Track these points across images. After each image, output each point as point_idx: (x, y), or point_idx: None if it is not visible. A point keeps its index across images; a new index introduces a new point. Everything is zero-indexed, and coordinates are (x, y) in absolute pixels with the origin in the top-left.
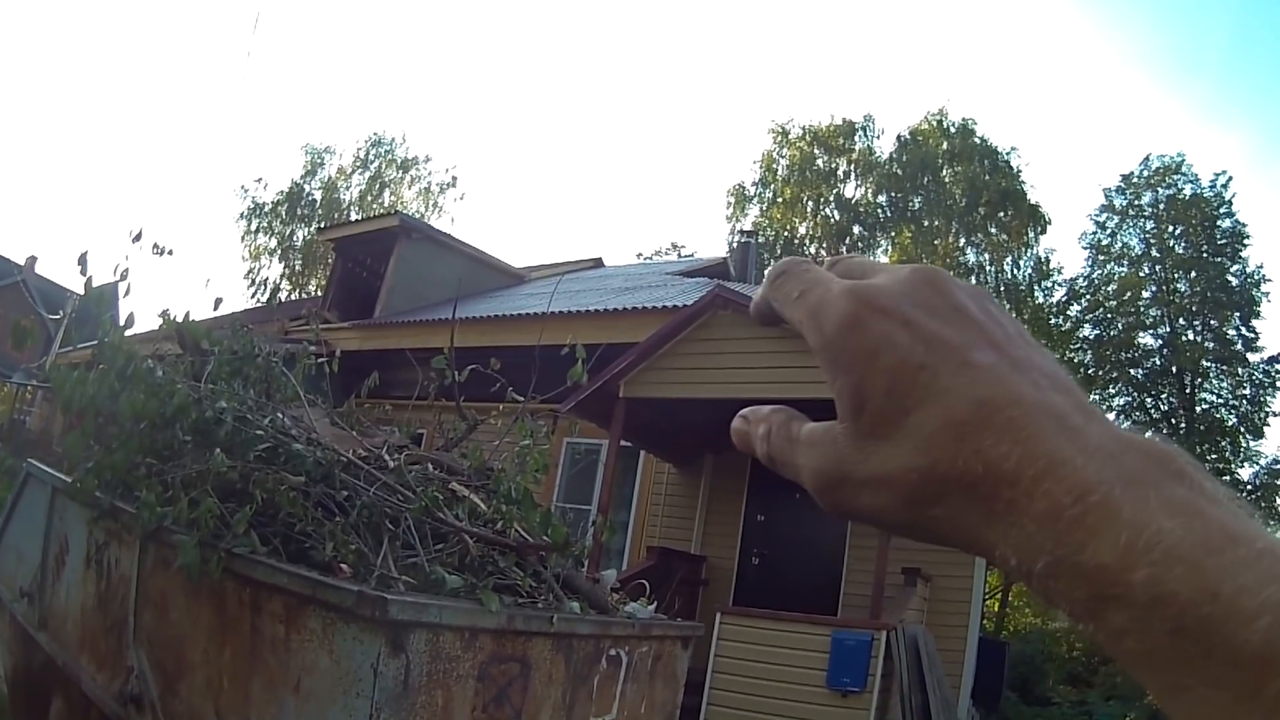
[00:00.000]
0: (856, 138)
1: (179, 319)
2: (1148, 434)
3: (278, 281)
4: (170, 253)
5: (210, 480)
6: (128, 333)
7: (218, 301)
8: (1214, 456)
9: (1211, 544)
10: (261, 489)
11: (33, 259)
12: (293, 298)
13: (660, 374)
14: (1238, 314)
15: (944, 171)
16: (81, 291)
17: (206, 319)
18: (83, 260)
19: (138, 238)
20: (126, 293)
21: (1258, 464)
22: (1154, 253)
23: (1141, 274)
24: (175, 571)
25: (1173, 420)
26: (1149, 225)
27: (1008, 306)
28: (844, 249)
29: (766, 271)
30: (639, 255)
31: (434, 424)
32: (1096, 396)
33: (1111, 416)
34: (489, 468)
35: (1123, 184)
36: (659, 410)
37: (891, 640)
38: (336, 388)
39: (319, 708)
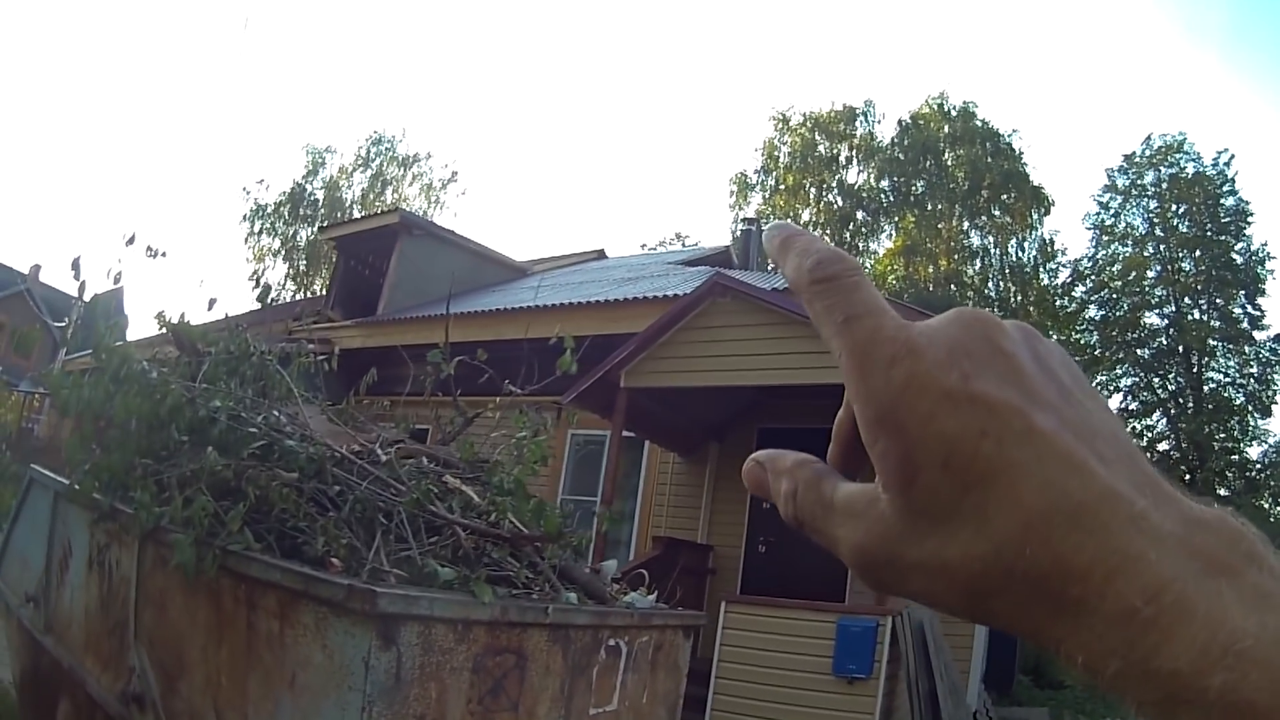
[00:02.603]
0: (857, 123)
1: (174, 320)
2: (1214, 508)
3: (282, 282)
4: (164, 255)
5: (204, 478)
6: (130, 336)
7: (212, 302)
8: (1222, 436)
9: None
10: (254, 486)
11: (36, 267)
12: (297, 297)
13: (661, 363)
14: (1243, 292)
15: (946, 155)
16: (85, 298)
17: (211, 320)
18: (76, 265)
19: (131, 241)
20: (120, 294)
21: (1266, 442)
22: (1158, 232)
23: (1146, 254)
24: (173, 570)
25: (1180, 400)
26: (1152, 205)
27: (1013, 290)
28: (848, 235)
29: (808, 254)
30: (643, 246)
31: (436, 419)
32: (1104, 377)
33: (1117, 400)
34: (483, 460)
35: (1125, 164)
36: (661, 400)
37: (897, 626)
38: (338, 385)
39: (313, 702)
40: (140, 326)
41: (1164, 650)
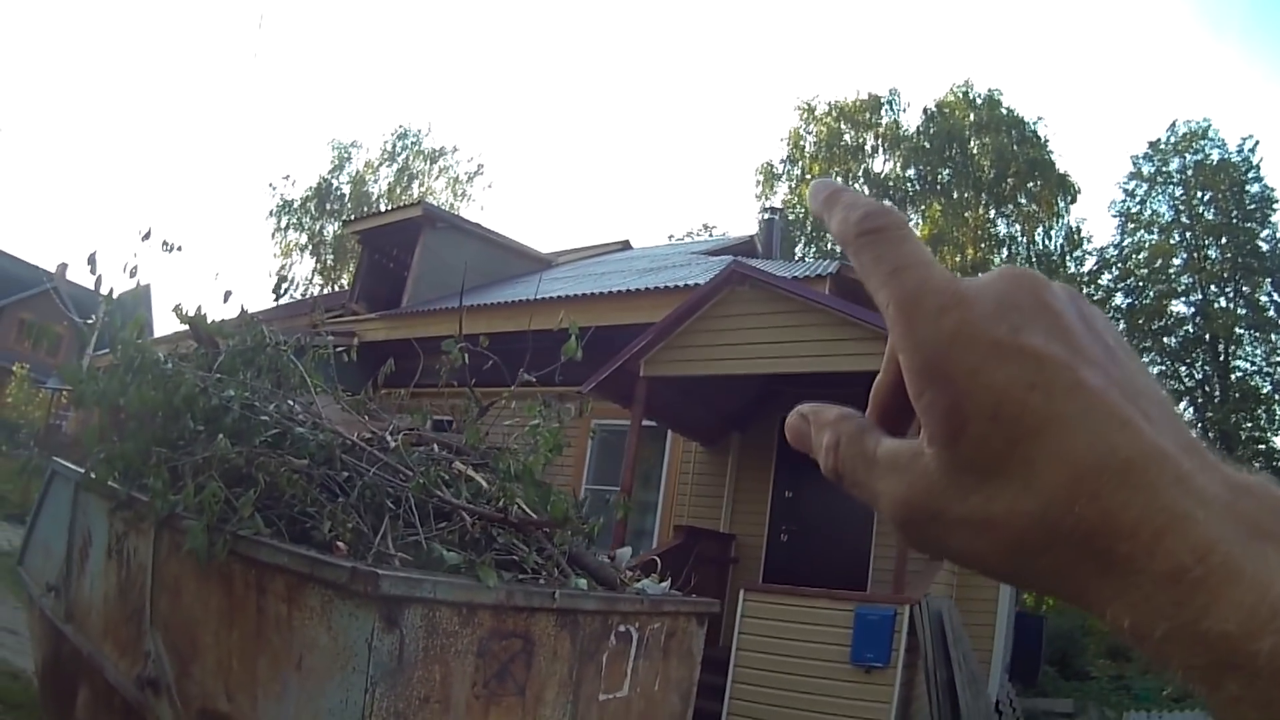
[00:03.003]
0: (883, 112)
1: (191, 313)
2: (1256, 475)
3: (309, 276)
4: (179, 249)
5: (216, 466)
6: (159, 332)
7: (228, 295)
8: (1249, 425)
9: None
10: (265, 472)
11: (64, 265)
12: (324, 292)
13: (680, 352)
14: (1269, 280)
15: (971, 143)
16: (114, 295)
17: (235, 314)
18: (92, 260)
19: (147, 237)
20: (147, 291)
21: None
22: (1183, 219)
23: (1172, 241)
24: (186, 556)
25: (1206, 388)
26: (1178, 192)
27: None
28: None
29: (854, 207)
30: (670, 237)
31: (451, 409)
32: None
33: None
34: (495, 447)
35: (1150, 151)
36: (682, 389)
37: (915, 614)
38: (360, 377)
39: (318, 683)
40: (169, 323)
41: (1213, 611)
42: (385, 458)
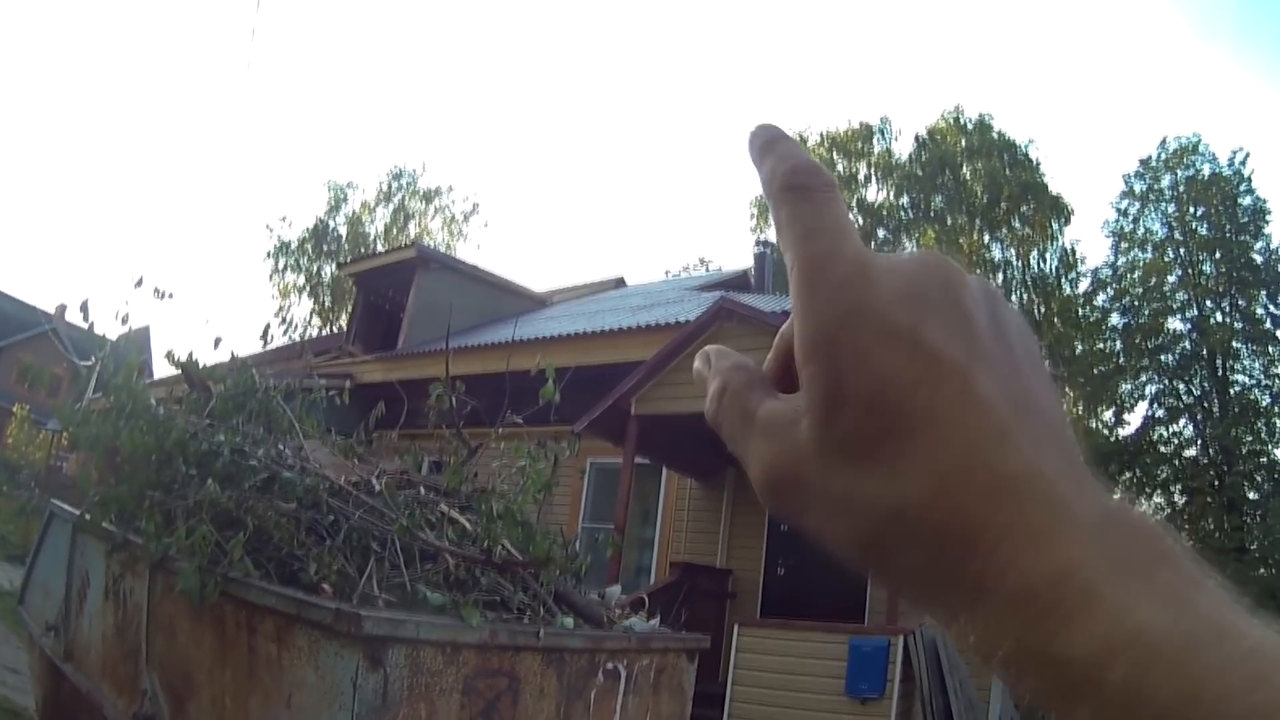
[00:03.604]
0: (875, 140)
1: (183, 359)
2: (1136, 507)
3: (307, 317)
4: (171, 296)
5: (207, 509)
6: (157, 375)
7: (218, 341)
8: (1249, 439)
9: (1198, 640)
10: (254, 516)
11: (62, 307)
12: (323, 333)
13: (671, 389)
14: (1264, 292)
15: (964, 169)
16: (111, 340)
17: (234, 357)
18: (85, 308)
19: (139, 284)
20: (146, 334)
21: None
22: (1177, 235)
23: (1166, 258)
24: (180, 597)
25: (1205, 404)
26: (1170, 208)
27: (1036, 301)
28: None
29: (785, 160)
30: (667, 272)
31: (440, 451)
32: (1128, 386)
33: (1142, 408)
34: (480, 489)
35: (1141, 168)
36: (674, 426)
37: (909, 644)
38: (356, 419)
39: None
40: (169, 366)
41: (1063, 636)
42: (371, 501)
